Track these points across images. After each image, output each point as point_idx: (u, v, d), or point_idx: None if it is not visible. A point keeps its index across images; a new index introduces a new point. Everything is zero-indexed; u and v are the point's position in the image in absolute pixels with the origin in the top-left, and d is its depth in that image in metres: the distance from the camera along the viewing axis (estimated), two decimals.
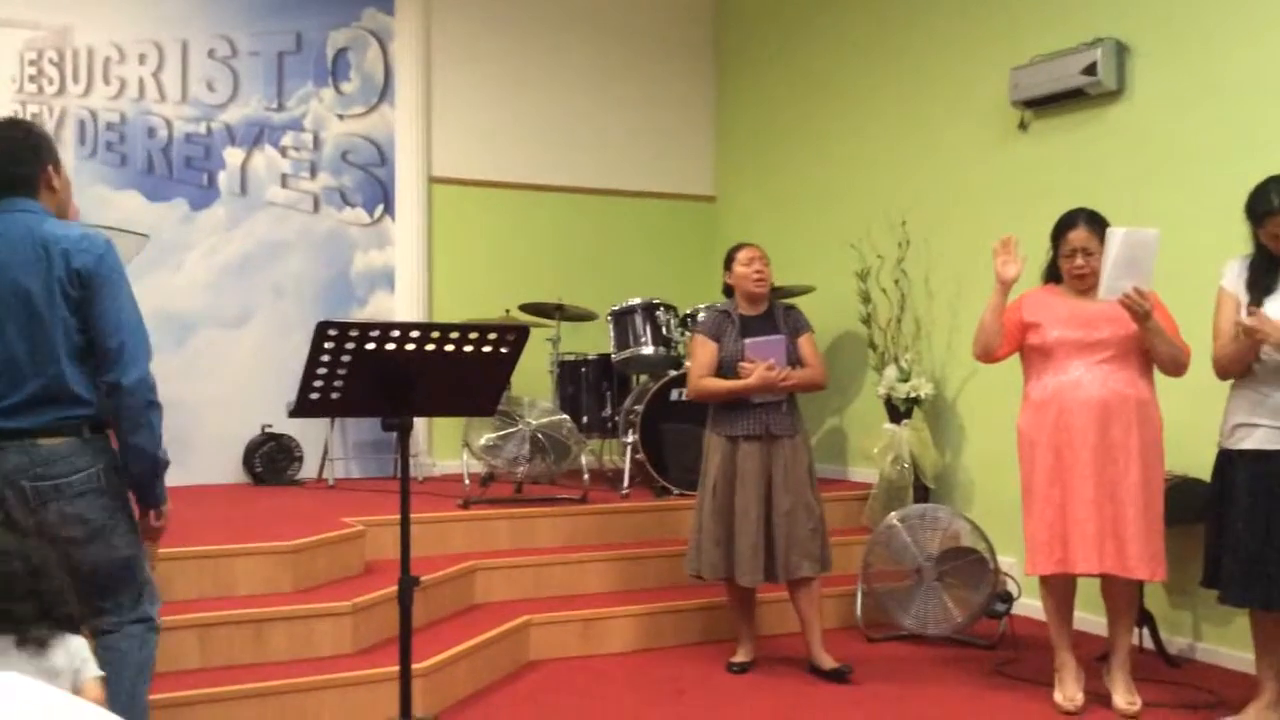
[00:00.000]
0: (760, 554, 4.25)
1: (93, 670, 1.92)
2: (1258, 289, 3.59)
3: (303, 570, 4.20)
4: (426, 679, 3.75)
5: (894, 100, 6.06)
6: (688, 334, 5.80)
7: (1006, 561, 4.80)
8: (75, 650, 1.84)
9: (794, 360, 4.34)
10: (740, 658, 4.44)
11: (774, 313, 4.47)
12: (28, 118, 5.92)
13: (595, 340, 6.28)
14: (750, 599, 4.50)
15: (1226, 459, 3.65)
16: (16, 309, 2.65)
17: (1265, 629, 3.64)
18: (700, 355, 4.41)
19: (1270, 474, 3.51)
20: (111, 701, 2.49)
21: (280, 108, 6.47)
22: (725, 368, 4.34)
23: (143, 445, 2.71)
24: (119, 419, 2.69)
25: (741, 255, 4.45)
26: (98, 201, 5.99)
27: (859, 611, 4.95)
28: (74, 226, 2.77)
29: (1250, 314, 3.51)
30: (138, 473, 2.74)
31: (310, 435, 6.26)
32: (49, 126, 5.99)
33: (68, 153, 6.03)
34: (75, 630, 1.87)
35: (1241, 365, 3.60)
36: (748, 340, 4.31)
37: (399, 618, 2.93)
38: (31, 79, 5.99)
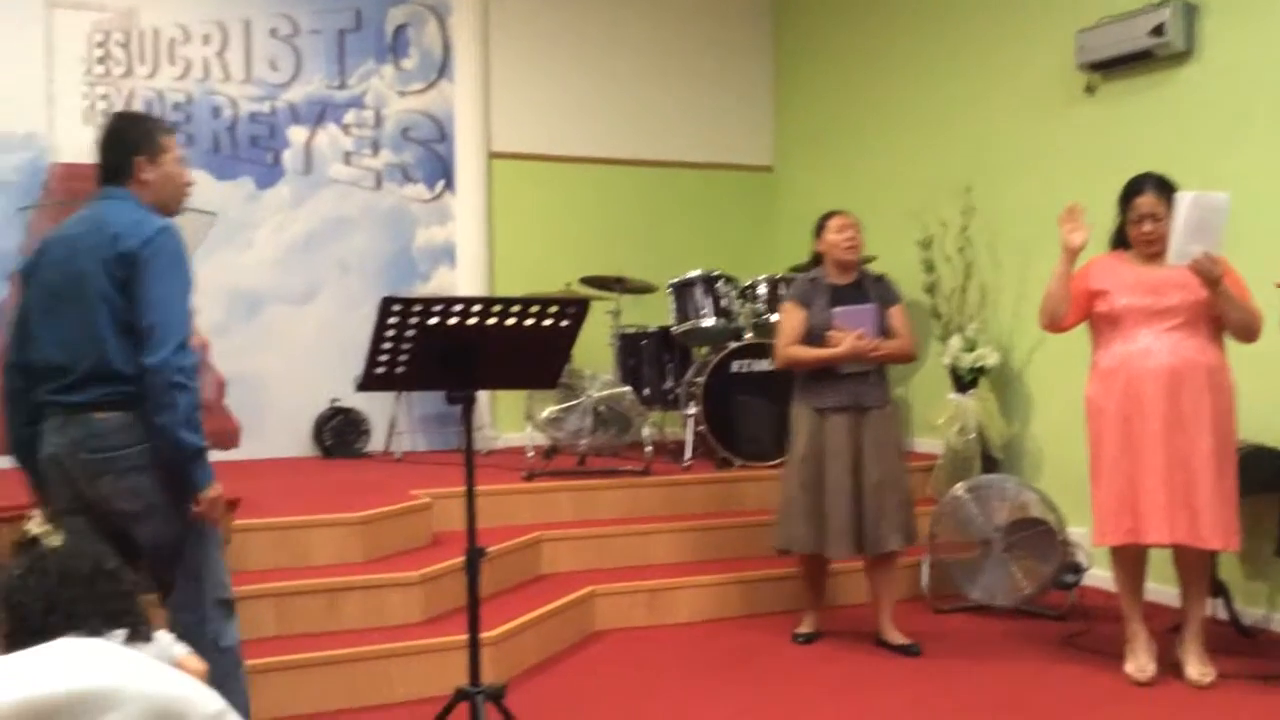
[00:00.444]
0: (851, 527, 4.19)
1: (182, 649, 1.97)
2: None
3: (373, 541, 4.27)
4: (495, 648, 3.81)
5: (957, 65, 5.96)
6: (748, 305, 5.79)
7: (1076, 532, 4.74)
8: (161, 638, 1.90)
9: (884, 331, 4.25)
10: (806, 628, 4.43)
11: (864, 282, 4.38)
12: (97, 99, 6.07)
13: (656, 313, 6.28)
14: (825, 571, 4.48)
15: None
16: (79, 291, 2.79)
17: None
18: (788, 323, 4.33)
19: None
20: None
21: (342, 85, 6.53)
22: (813, 336, 4.25)
23: (165, 426, 2.73)
24: (147, 399, 2.74)
25: (833, 223, 4.35)
26: None
27: (925, 582, 4.92)
28: (133, 211, 2.84)
29: None
30: (165, 454, 2.77)
31: (377, 409, 6.35)
32: (117, 107, 6.10)
33: None
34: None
35: None
36: (837, 308, 4.22)
37: (467, 588, 2.97)
38: (99, 61, 6.10)
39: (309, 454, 6.33)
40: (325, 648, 3.73)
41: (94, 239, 2.79)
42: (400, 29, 6.64)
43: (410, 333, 2.83)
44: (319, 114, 6.48)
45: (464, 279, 6.69)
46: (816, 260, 4.45)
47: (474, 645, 2.97)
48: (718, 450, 5.51)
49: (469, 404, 2.96)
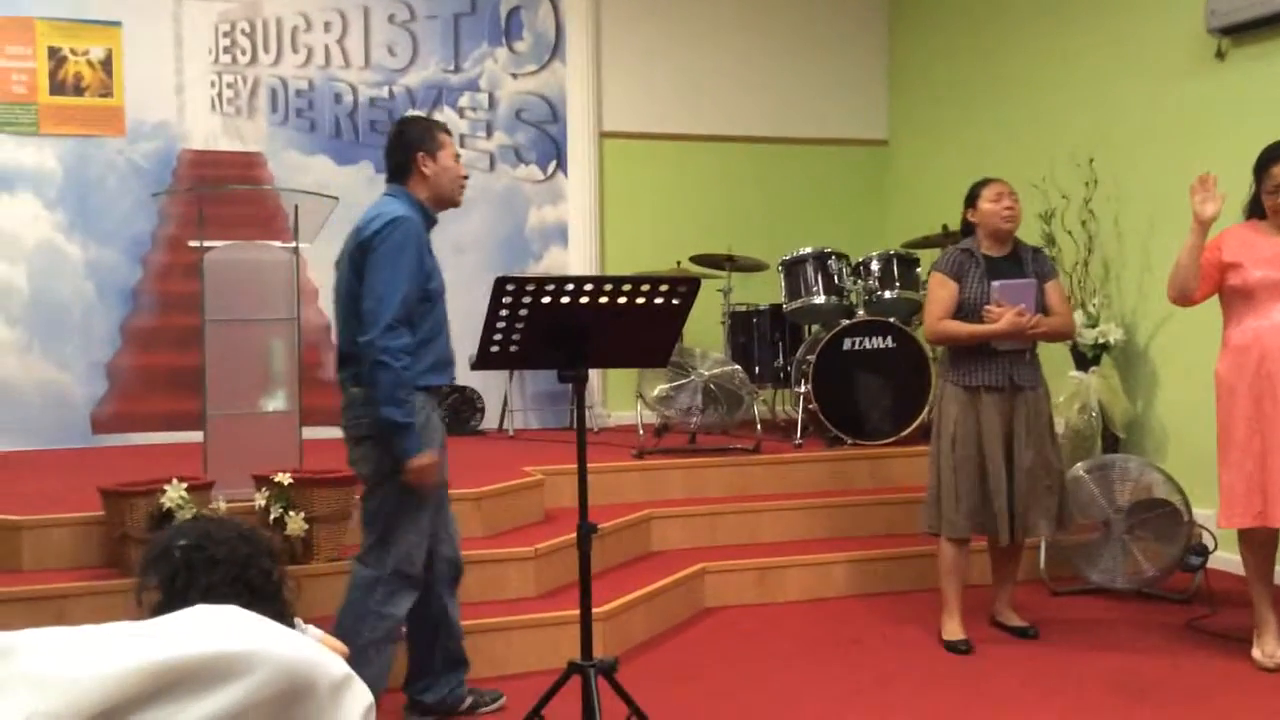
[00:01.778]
0: (1007, 510, 3.97)
1: (318, 632, 2.03)
2: None
3: (489, 516, 4.37)
4: (606, 623, 3.86)
5: (1080, 32, 5.78)
6: (860, 282, 5.72)
7: (1202, 514, 4.59)
8: (298, 624, 1.97)
9: (1040, 307, 4.02)
10: (958, 633, 4.06)
11: (1021, 254, 4.13)
12: (224, 88, 6.28)
13: (766, 290, 6.25)
14: (966, 565, 4.16)
15: None
16: (340, 279, 3.20)
17: None
18: (940, 295, 4.07)
19: None
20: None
21: (457, 69, 6.64)
22: (966, 310, 4.03)
23: (375, 400, 3.05)
24: None
25: (988, 191, 4.10)
26: (290, 167, 6.30)
27: (1043, 564, 4.82)
28: (383, 206, 3.18)
29: None
30: (379, 427, 3.07)
31: (491, 387, 6.47)
32: (242, 96, 6.32)
33: (261, 120, 6.35)
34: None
35: None
36: (998, 282, 3.98)
37: (579, 563, 3.01)
38: (225, 50, 6.31)
39: None
40: None
41: (351, 234, 3.18)
42: (513, 12, 6.72)
43: (523, 312, 2.87)
44: (435, 98, 6.61)
45: (575, 258, 6.76)
46: (967, 230, 4.24)
47: (586, 620, 3.01)
48: (829, 428, 5.47)
49: (581, 382, 3.00)
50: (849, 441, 5.45)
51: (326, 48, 6.45)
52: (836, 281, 5.71)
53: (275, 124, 6.35)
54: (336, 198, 4.61)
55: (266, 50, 6.38)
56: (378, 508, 3.18)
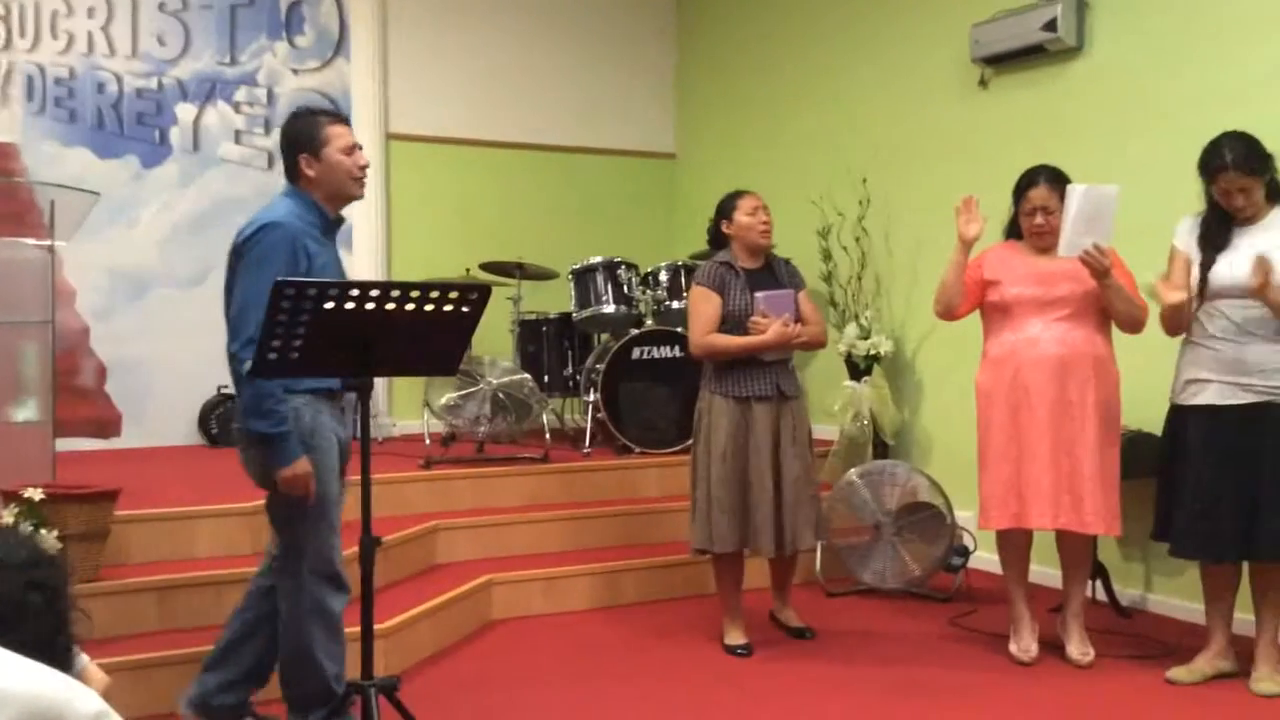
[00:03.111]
0: (773, 522, 4.00)
1: (84, 658, 1.87)
2: (1209, 246, 3.64)
3: (262, 532, 4.15)
4: (388, 639, 3.75)
5: (856, 57, 6.04)
6: (649, 292, 5.78)
7: (963, 516, 4.86)
8: (78, 662, 1.80)
9: (796, 316, 4.10)
10: (739, 638, 4.14)
11: (774, 266, 4.21)
12: None
13: (556, 299, 6.25)
14: (743, 572, 4.22)
15: (1178, 414, 3.71)
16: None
17: (1214, 580, 3.72)
18: (704, 310, 4.08)
19: (1220, 429, 3.57)
20: (282, 647, 3.09)
21: (233, 62, 6.35)
22: (730, 323, 4.07)
23: (240, 411, 2.98)
24: None
25: (744, 204, 4.15)
26: (47, 159, 5.88)
27: (819, 566, 5.00)
28: (263, 210, 3.08)
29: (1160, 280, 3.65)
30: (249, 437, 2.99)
31: None
32: None
33: (16, 108, 5.89)
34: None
35: (1182, 322, 3.66)
36: (761, 294, 4.03)
37: (360, 578, 2.92)
38: None
39: (195, 443, 6.16)
40: (213, 641, 3.62)
41: (234, 239, 3.08)
42: (295, 5, 6.48)
43: (304, 317, 2.75)
44: (209, 91, 6.30)
45: (361, 263, 6.56)
46: (719, 243, 4.27)
47: (367, 637, 2.92)
48: (617, 437, 5.51)
49: (365, 391, 2.91)
50: (637, 450, 5.50)
51: (90, 34, 6.05)
52: (626, 291, 5.77)
53: (31, 113, 5.91)
54: (97, 193, 4.33)
55: (22, 35, 5.92)
56: (277, 512, 3.09)
